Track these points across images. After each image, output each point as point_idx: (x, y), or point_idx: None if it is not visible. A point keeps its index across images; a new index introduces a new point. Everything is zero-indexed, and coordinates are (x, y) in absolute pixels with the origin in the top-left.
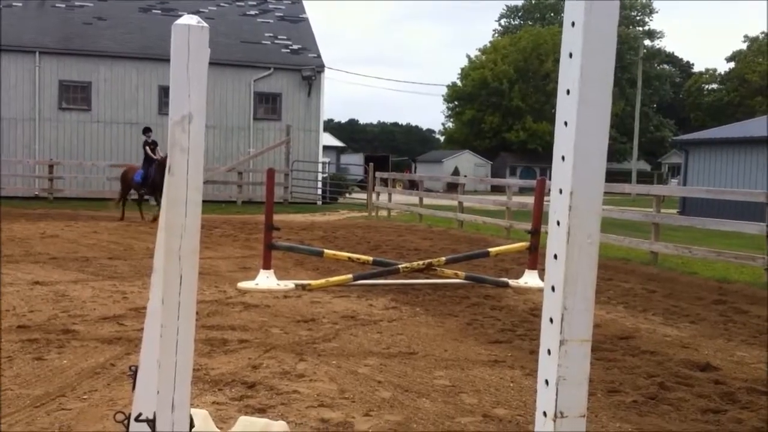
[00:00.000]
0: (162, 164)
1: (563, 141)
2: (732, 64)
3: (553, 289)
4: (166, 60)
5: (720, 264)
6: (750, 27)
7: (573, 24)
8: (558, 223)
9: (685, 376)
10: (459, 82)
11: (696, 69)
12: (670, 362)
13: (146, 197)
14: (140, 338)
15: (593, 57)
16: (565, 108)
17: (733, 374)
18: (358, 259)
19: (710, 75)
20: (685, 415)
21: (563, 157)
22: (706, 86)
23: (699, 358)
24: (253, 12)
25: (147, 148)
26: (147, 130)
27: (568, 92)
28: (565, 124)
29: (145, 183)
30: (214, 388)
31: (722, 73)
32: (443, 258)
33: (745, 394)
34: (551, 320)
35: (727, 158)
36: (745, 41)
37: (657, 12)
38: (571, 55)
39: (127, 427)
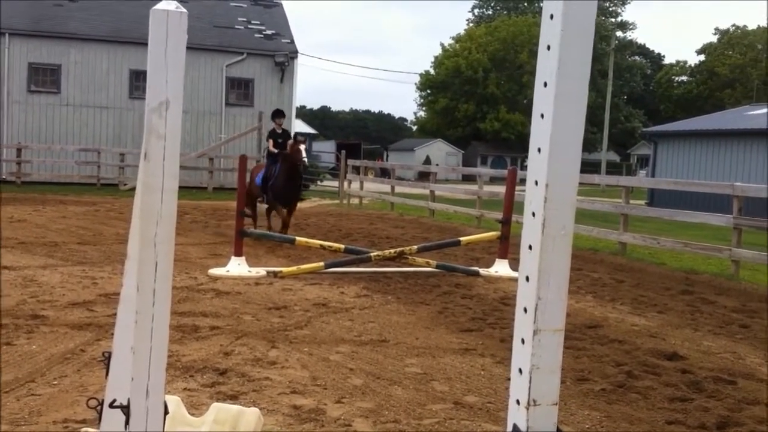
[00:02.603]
0: (290, 160)
1: (539, 133)
2: (702, 57)
3: (527, 279)
4: (138, 43)
5: (687, 255)
6: (721, 20)
7: (551, 17)
8: (533, 215)
9: (653, 365)
10: (432, 71)
11: (666, 61)
12: (637, 351)
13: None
14: (111, 324)
15: (571, 50)
16: (542, 100)
17: (700, 363)
18: (330, 246)
19: (680, 67)
20: (653, 403)
21: (539, 149)
22: (677, 78)
23: (666, 347)
24: None
25: (270, 141)
26: (278, 114)
27: (545, 84)
28: (542, 116)
29: (265, 187)
30: (186, 374)
31: (692, 65)
32: (415, 246)
33: (711, 383)
34: (525, 310)
35: (695, 150)
36: (715, 34)
37: (629, 3)
38: (549, 48)
39: (101, 413)
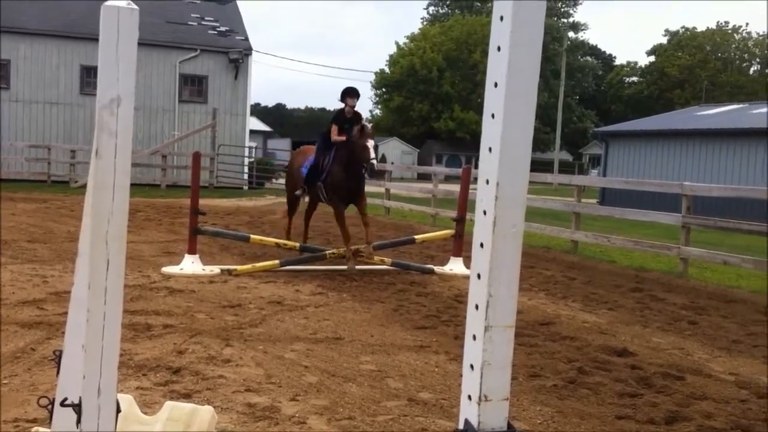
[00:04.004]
0: (351, 156)
1: (490, 133)
2: (652, 58)
3: (479, 276)
4: (89, 39)
5: (637, 253)
6: (671, 21)
7: (501, 18)
8: (484, 213)
9: (603, 361)
10: (387, 70)
11: (618, 62)
12: (588, 348)
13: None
14: (62, 323)
15: (520, 51)
16: (493, 100)
17: (649, 359)
18: (285, 244)
19: (631, 68)
20: (603, 398)
21: (490, 149)
22: (627, 79)
23: (616, 343)
24: None
25: (334, 127)
26: (350, 93)
27: (495, 85)
28: (493, 116)
29: (312, 179)
30: (138, 373)
31: (643, 66)
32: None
33: (660, 378)
34: (477, 307)
35: (645, 150)
36: (665, 35)
37: (581, 4)
38: (499, 49)
39: (52, 411)
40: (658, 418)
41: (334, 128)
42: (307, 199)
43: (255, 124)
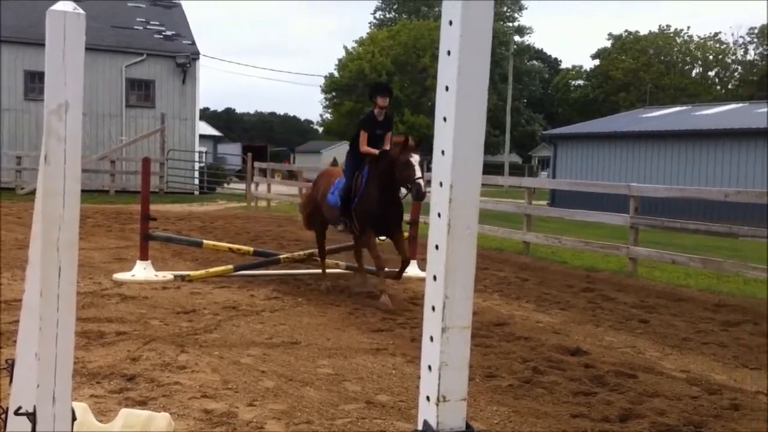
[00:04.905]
0: (390, 174)
1: (443, 136)
2: (597, 62)
3: (435, 278)
4: (33, 44)
5: (587, 253)
6: (614, 25)
7: (450, 23)
8: (439, 215)
9: (558, 360)
10: (337, 73)
11: (563, 66)
12: (543, 347)
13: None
14: (10, 331)
15: (470, 55)
16: (445, 104)
17: (602, 358)
18: (239, 249)
19: (576, 72)
20: (558, 397)
21: (443, 152)
22: (573, 82)
23: (570, 343)
24: None
25: (364, 134)
26: (381, 90)
27: (447, 89)
28: (444, 119)
29: (347, 208)
30: (92, 381)
31: (588, 70)
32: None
33: (613, 377)
34: (433, 308)
35: (593, 152)
36: (609, 39)
37: (526, 8)
38: (449, 53)
39: (5, 421)
40: (612, 416)
41: (364, 136)
42: (340, 227)
43: (204, 128)
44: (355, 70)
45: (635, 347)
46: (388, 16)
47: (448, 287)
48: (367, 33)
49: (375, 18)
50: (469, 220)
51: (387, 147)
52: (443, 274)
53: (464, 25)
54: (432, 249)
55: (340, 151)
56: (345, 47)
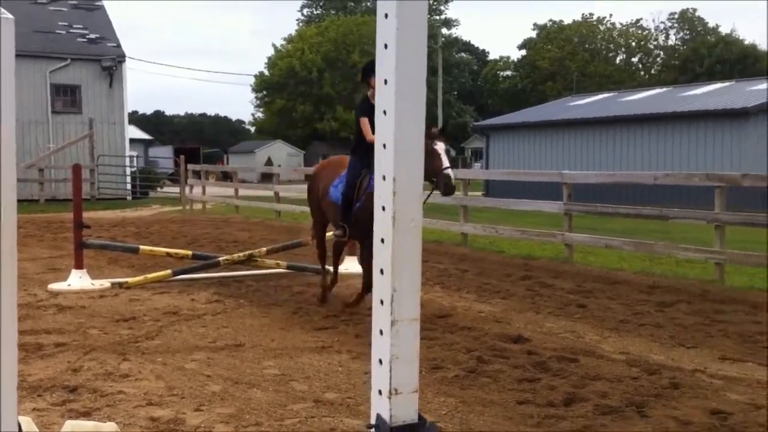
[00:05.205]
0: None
1: (384, 129)
2: (524, 52)
3: (382, 272)
4: None
5: (524, 242)
6: (539, 16)
7: (386, 16)
8: (383, 209)
9: (501, 348)
10: (267, 72)
11: (491, 57)
12: (486, 337)
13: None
14: None
15: (407, 47)
16: (384, 97)
17: (544, 344)
18: (177, 253)
19: (504, 62)
20: (503, 385)
21: (384, 145)
22: (501, 73)
23: (512, 331)
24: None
25: (363, 119)
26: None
27: (385, 82)
28: (385, 113)
29: (348, 211)
30: (33, 394)
31: (515, 60)
32: (264, 248)
33: (555, 362)
34: (381, 302)
35: (524, 141)
36: (534, 29)
37: (452, 0)
38: (386, 47)
39: None
40: (557, 400)
41: (366, 122)
42: (338, 232)
43: (134, 132)
44: (285, 67)
45: (575, 332)
46: (315, 12)
47: (395, 280)
48: (296, 30)
49: (303, 15)
50: (414, 212)
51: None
52: (390, 268)
53: (400, 17)
54: (378, 243)
55: (274, 149)
56: (274, 45)
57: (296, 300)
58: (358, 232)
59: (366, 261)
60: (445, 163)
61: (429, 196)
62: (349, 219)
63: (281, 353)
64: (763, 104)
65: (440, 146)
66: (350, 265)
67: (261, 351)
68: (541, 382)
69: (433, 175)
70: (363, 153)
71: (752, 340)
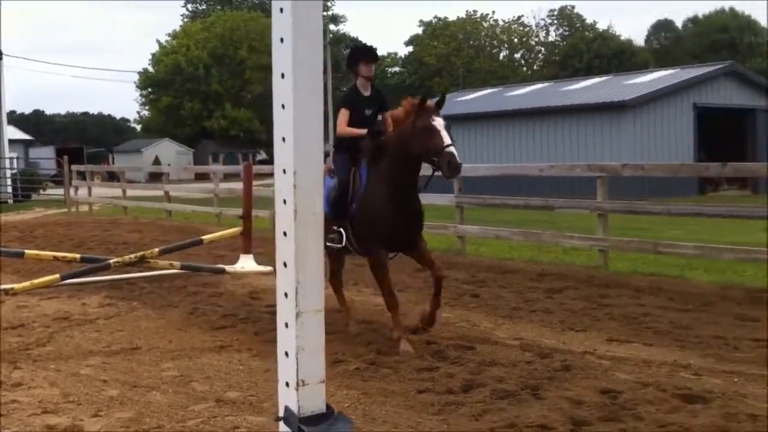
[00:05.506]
0: (407, 141)
1: (282, 123)
2: (411, 48)
3: (285, 265)
4: None
5: None
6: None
7: (281, 10)
8: (284, 202)
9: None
10: (151, 69)
11: (379, 53)
12: (384, 329)
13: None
14: None
15: (303, 41)
16: (282, 91)
17: (441, 334)
18: (64, 257)
19: (392, 59)
20: (404, 375)
21: (284, 138)
22: (390, 69)
23: (409, 322)
24: None
25: (345, 112)
26: (365, 55)
27: (282, 76)
28: (283, 107)
29: (342, 216)
30: None
31: (403, 56)
32: (156, 249)
33: (453, 350)
34: (286, 295)
35: None
36: (420, 26)
37: None
38: (282, 40)
39: None
40: (456, 387)
41: (344, 114)
42: (334, 242)
43: (13, 133)
44: (170, 64)
45: (470, 320)
46: (200, 7)
47: (299, 272)
48: (181, 26)
49: (188, 10)
50: (315, 205)
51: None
52: (293, 260)
53: (295, 11)
54: (280, 236)
55: (162, 148)
56: (158, 41)
57: (192, 300)
58: (358, 240)
59: (374, 268)
60: (446, 140)
61: (430, 179)
62: (344, 225)
63: (179, 354)
64: (639, 97)
65: (438, 122)
66: (246, 263)
67: (158, 353)
68: (440, 371)
69: (433, 154)
70: (346, 148)
71: (636, 321)
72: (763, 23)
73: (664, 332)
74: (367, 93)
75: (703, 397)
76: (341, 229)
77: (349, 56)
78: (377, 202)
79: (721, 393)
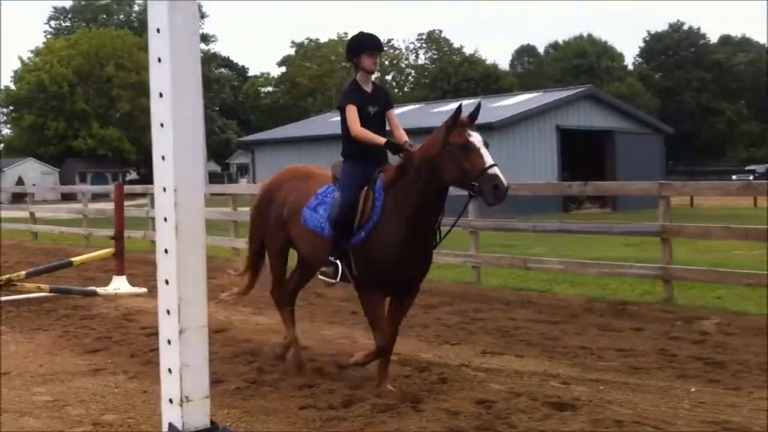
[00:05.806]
0: (439, 155)
1: (162, 141)
2: (283, 69)
3: (167, 282)
4: None
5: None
6: (296, 33)
7: (158, 30)
8: (165, 220)
9: (279, 356)
10: (13, 86)
11: (251, 73)
12: (265, 347)
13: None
14: None
15: (181, 60)
16: (160, 110)
17: (321, 351)
18: None
19: (265, 79)
20: (285, 393)
21: (163, 157)
22: (263, 89)
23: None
24: None
25: (351, 108)
26: (369, 45)
27: (161, 95)
28: (162, 125)
29: (342, 241)
30: None
31: (275, 76)
32: (23, 272)
33: (333, 367)
34: (168, 312)
35: (289, 155)
36: (292, 47)
37: (208, 16)
38: (160, 60)
39: None
40: (337, 403)
41: (352, 111)
42: (328, 272)
43: None
44: (33, 81)
45: (350, 337)
46: (64, 24)
47: (181, 289)
48: (44, 42)
49: (51, 27)
50: (196, 222)
51: (402, 136)
52: (175, 277)
53: (172, 31)
54: (161, 253)
55: (26, 168)
56: (20, 58)
57: (63, 324)
58: (366, 274)
59: (366, 306)
60: (488, 160)
61: (467, 207)
62: (344, 253)
63: (51, 378)
64: (505, 119)
65: (476, 137)
66: (119, 284)
67: (29, 377)
68: (321, 387)
69: (473, 177)
70: (360, 155)
71: (508, 334)
72: (618, 49)
73: (534, 344)
74: (368, 89)
75: (572, 404)
76: (338, 262)
77: (349, 46)
78: (393, 243)
79: (588, 400)
